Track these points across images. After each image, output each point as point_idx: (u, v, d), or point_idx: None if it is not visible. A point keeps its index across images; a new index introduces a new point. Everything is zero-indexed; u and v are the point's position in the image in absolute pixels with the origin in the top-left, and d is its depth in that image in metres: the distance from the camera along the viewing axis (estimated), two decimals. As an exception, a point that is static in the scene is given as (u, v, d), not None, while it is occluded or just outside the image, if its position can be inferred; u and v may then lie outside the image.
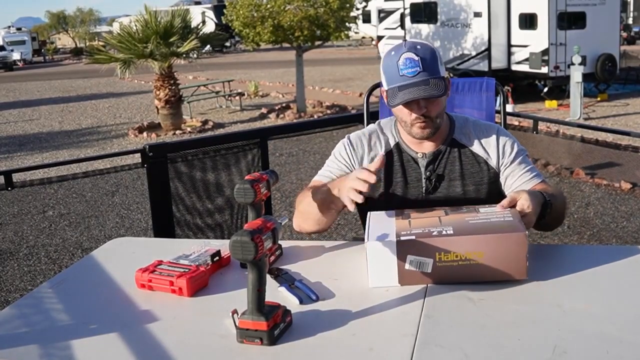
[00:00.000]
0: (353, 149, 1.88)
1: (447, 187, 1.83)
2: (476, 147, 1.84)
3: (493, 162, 1.83)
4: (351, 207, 1.52)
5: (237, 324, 1.21)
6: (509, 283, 1.38)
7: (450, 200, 1.81)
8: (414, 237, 1.39)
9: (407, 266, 1.38)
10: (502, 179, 1.83)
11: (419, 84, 1.68)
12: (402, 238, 1.39)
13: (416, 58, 1.69)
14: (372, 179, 1.49)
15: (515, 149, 1.84)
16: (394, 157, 1.86)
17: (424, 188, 1.83)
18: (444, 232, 1.39)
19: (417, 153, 1.85)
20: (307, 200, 1.74)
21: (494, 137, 1.84)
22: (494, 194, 1.81)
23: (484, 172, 1.82)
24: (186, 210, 3.10)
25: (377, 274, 1.42)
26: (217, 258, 1.58)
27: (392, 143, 1.87)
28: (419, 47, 1.72)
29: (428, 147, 1.84)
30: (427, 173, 1.83)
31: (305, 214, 1.76)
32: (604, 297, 1.33)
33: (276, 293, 1.40)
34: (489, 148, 1.83)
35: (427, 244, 1.37)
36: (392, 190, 1.84)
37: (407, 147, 1.86)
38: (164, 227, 3.01)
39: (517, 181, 1.79)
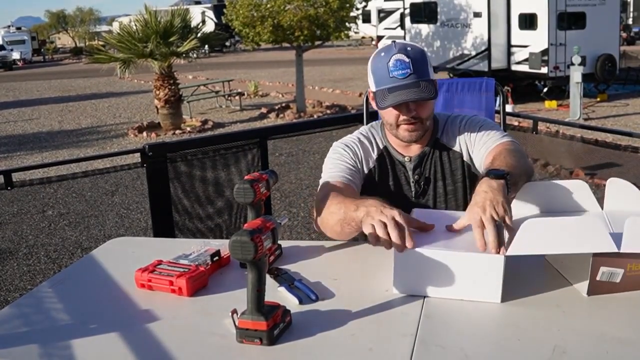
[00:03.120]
0: (352, 150, 1.84)
1: (434, 188, 1.84)
2: (453, 144, 1.84)
3: (465, 154, 1.82)
4: (373, 242, 1.36)
5: (236, 324, 1.21)
6: (506, 283, 1.38)
7: (437, 201, 1.82)
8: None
9: (598, 277, 1.33)
10: (476, 163, 1.79)
11: (410, 86, 1.67)
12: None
13: (407, 60, 1.67)
14: (409, 243, 1.31)
15: (478, 126, 1.81)
16: (386, 161, 1.85)
17: (413, 192, 1.84)
18: None
19: (404, 157, 1.85)
20: (329, 209, 1.58)
21: (462, 127, 1.83)
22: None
23: (461, 168, 1.82)
24: (186, 210, 3.10)
25: (403, 281, 1.37)
26: (216, 258, 1.57)
27: (380, 146, 1.87)
28: (409, 48, 1.70)
29: (414, 150, 1.84)
30: (415, 177, 1.84)
31: (327, 225, 1.61)
32: (604, 297, 1.33)
33: (276, 293, 1.40)
34: (460, 141, 1.83)
35: (622, 255, 1.31)
36: (383, 195, 1.82)
37: (394, 151, 1.86)
38: (163, 226, 3.01)
39: (479, 153, 1.75)
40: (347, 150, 1.84)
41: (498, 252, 1.29)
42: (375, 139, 1.88)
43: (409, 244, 1.30)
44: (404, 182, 1.84)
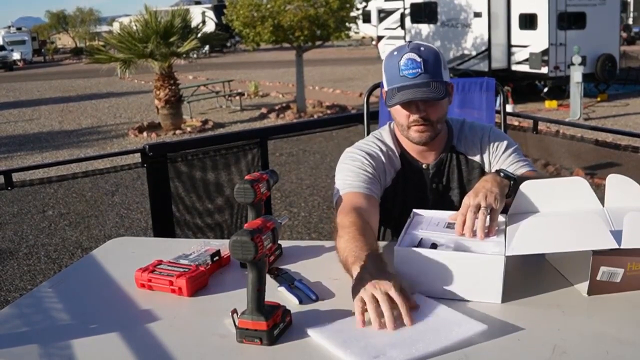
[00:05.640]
0: (374, 159, 1.77)
1: (451, 196, 1.82)
2: (471, 153, 1.82)
3: (486, 166, 1.81)
4: (359, 321, 1.21)
5: (236, 324, 1.21)
6: (506, 283, 1.38)
7: (453, 208, 1.80)
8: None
9: (598, 277, 1.32)
10: None
11: (419, 85, 1.65)
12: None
13: (418, 59, 1.65)
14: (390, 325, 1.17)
15: (505, 144, 1.81)
16: (406, 168, 1.82)
17: (430, 199, 1.81)
18: None
19: (421, 164, 1.82)
20: (339, 241, 1.48)
21: (486, 140, 1.82)
22: None
23: (478, 178, 1.76)
24: (186, 210, 3.10)
25: (403, 281, 1.34)
26: (216, 258, 1.58)
27: (397, 154, 1.83)
28: (422, 48, 1.68)
29: (430, 156, 1.81)
30: (433, 185, 1.81)
31: (337, 252, 1.49)
32: (604, 297, 1.33)
33: (276, 293, 1.40)
34: (482, 152, 1.82)
35: (622, 254, 1.31)
36: (403, 203, 1.80)
37: (411, 158, 1.82)
38: (163, 226, 3.01)
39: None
40: (369, 159, 1.76)
41: (471, 236, 1.41)
42: (390, 146, 1.83)
43: (407, 321, 1.18)
44: (421, 190, 1.81)
